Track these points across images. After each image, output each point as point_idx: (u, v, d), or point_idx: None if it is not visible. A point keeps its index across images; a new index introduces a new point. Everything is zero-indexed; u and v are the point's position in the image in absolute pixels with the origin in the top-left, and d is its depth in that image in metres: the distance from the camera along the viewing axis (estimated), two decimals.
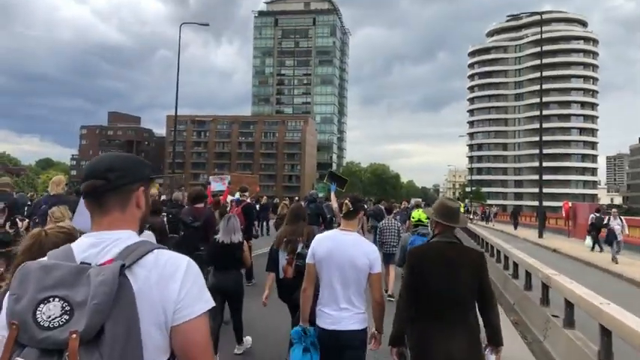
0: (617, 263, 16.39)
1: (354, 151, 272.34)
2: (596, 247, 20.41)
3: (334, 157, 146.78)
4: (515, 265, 10.08)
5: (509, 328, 7.78)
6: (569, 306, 6.20)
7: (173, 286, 1.33)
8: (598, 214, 21.04)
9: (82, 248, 1.36)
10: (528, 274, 8.75)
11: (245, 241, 6.30)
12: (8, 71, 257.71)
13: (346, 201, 3.72)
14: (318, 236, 3.83)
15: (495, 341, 3.37)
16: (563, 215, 28.98)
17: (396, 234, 10.23)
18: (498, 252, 12.77)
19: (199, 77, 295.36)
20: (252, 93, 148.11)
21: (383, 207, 14.25)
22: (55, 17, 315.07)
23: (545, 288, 7.43)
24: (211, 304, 1.39)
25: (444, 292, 3.26)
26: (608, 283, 13.34)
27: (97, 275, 1.22)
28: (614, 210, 17.23)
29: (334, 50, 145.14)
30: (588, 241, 21.27)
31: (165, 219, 8.20)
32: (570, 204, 28.90)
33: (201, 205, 7.43)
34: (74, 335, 1.13)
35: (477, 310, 3.37)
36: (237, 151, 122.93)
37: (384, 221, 10.80)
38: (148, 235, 2.79)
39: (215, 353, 5.52)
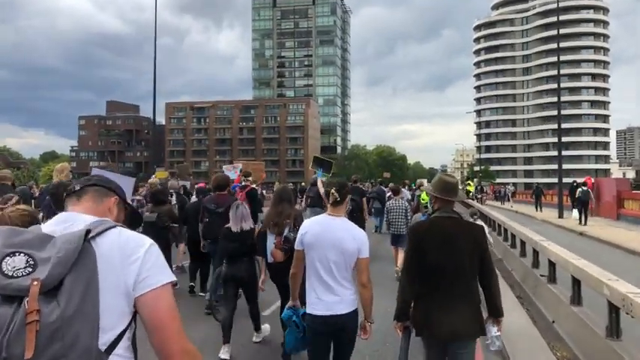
0: None
1: (360, 133, 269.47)
2: (585, 220, 21.05)
3: (338, 139, 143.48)
4: (552, 264, 7.33)
5: None
6: None
7: (134, 259, 1.42)
8: (585, 188, 21.80)
9: (50, 224, 1.49)
10: (576, 282, 6.01)
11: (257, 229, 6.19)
12: (12, 65, 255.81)
13: (332, 190, 3.65)
14: (306, 222, 3.80)
15: (496, 314, 3.44)
16: None
17: (403, 214, 10.30)
18: (523, 243, 10.01)
19: (201, 64, 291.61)
20: (252, 77, 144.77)
21: (387, 189, 14.58)
22: (54, 7, 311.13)
23: (615, 311, 4.71)
24: (174, 278, 1.49)
25: (445, 266, 3.30)
26: None
27: (62, 237, 1.35)
28: None
29: (335, 30, 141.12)
30: (575, 214, 21.99)
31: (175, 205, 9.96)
32: (593, 179, 25.97)
33: (224, 192, 7.62)
34: (36, 282, 1.21)
35: (478, 283, 3.40)
36: (238, 137, 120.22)
37: (391, 201, 10.93)
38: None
39: (227, 342, 5.53)
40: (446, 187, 3.50)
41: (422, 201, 6.91)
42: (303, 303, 3.75)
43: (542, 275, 7.99)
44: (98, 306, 1.30)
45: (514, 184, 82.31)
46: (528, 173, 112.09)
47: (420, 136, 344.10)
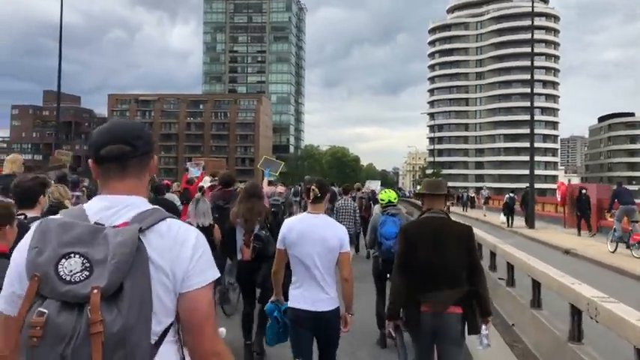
0: None
1: (315, 134, 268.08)
2: (510, 222, 23.51)
3: (291, 139, 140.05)
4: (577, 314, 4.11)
5: None
6: None
7: (184, 254, 1.38)
8: (512, 195, 24.34)
9: (95, 210, 1.40)
10: None
11: (216, 225, 6.38)
12: None
13: (313, 187, 3.73)
14: (287, 221, 3.84)
15: (485, 312, 3.54)
16: (559, 199, 23.49)
17: (352, 214, 10.67)
18: (537, 284, 6.80)
19: (153, 58, 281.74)
20: (202, 71, 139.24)
21: (337, 189, 15.00)
22: None
23: None
24: (218, 274, 1.47)
25: (435, 265, 3.41)
26: None
27: (115, 236, 1.28)
28: None
29: (290, 26, 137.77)
30: (502, 217, 24.13)
31: None
32: (567, 185, 23.60)
33: (230, 188, 7.76)
34: (96, 291, 1.19)
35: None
36: (185, 133, 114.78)
37: (340, 202, 11.08)
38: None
39: None
40: (433, 183, 3.79)
41: (382, 201, 6.21)
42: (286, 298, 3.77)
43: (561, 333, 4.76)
44: (152, 307, 1.29)
45: (466, 187, 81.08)
46: (479, 178, 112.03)
47: (374, 140, 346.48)
